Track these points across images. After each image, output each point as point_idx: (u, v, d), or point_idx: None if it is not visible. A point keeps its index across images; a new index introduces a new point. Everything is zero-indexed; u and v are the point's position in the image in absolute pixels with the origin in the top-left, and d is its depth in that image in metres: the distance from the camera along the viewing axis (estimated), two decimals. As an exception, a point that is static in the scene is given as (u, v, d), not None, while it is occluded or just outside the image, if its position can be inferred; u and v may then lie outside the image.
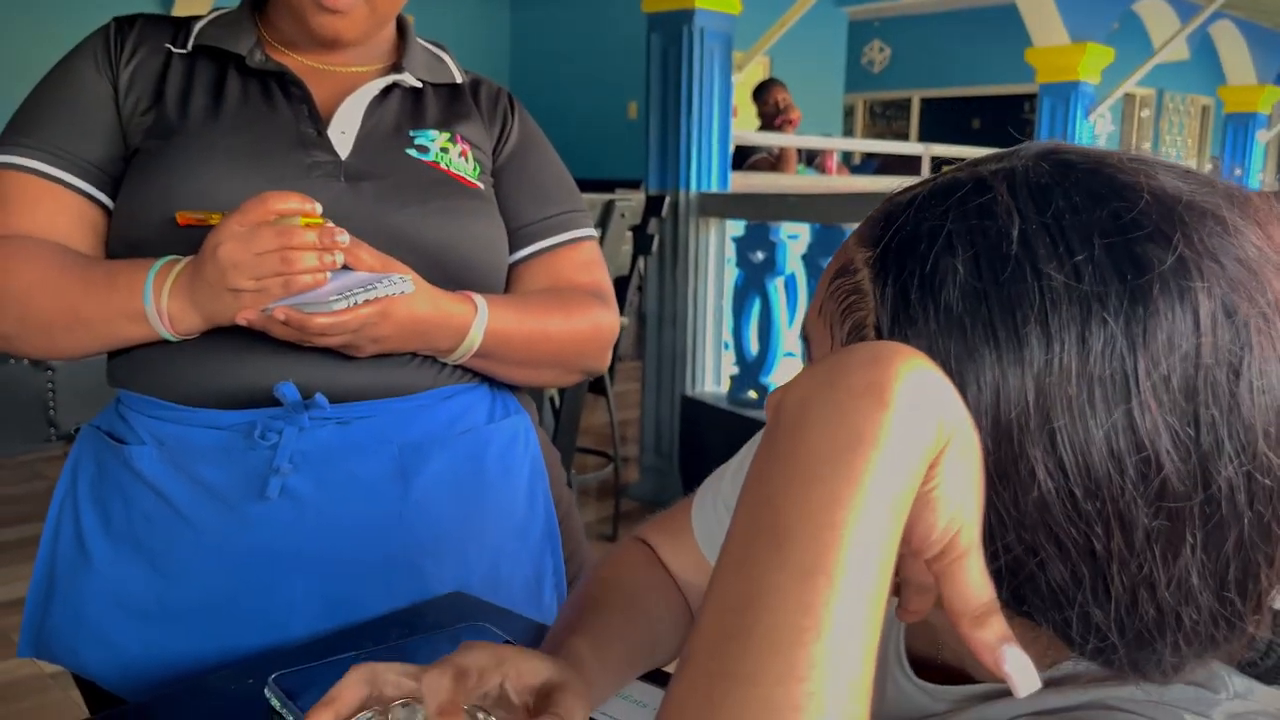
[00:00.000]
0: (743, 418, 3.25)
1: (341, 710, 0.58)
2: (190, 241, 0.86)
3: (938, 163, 5.14)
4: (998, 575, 0.41)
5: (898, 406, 0.38)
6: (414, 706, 0.59)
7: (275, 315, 0.80)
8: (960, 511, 0.39)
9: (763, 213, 3.29)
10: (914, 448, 0.38)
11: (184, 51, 0.96)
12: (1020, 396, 0.41)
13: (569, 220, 1.07)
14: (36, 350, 0.90)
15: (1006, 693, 0.43)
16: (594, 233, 1.11)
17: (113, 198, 0.93)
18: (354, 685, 0.58)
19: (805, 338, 0.50)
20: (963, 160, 0.49)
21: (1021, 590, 0.43)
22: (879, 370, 0.39)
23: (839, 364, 0.40)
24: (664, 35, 3.38)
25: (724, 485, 0.75)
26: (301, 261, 0.80)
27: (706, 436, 3.39)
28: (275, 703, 0.69)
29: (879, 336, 0.44)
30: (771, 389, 2.80)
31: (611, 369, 3.24)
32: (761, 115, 5.11)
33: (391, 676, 0.59)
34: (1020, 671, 0.39)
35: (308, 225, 0.82)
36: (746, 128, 5.29)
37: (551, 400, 2.72)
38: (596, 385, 3.09)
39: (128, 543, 0.89)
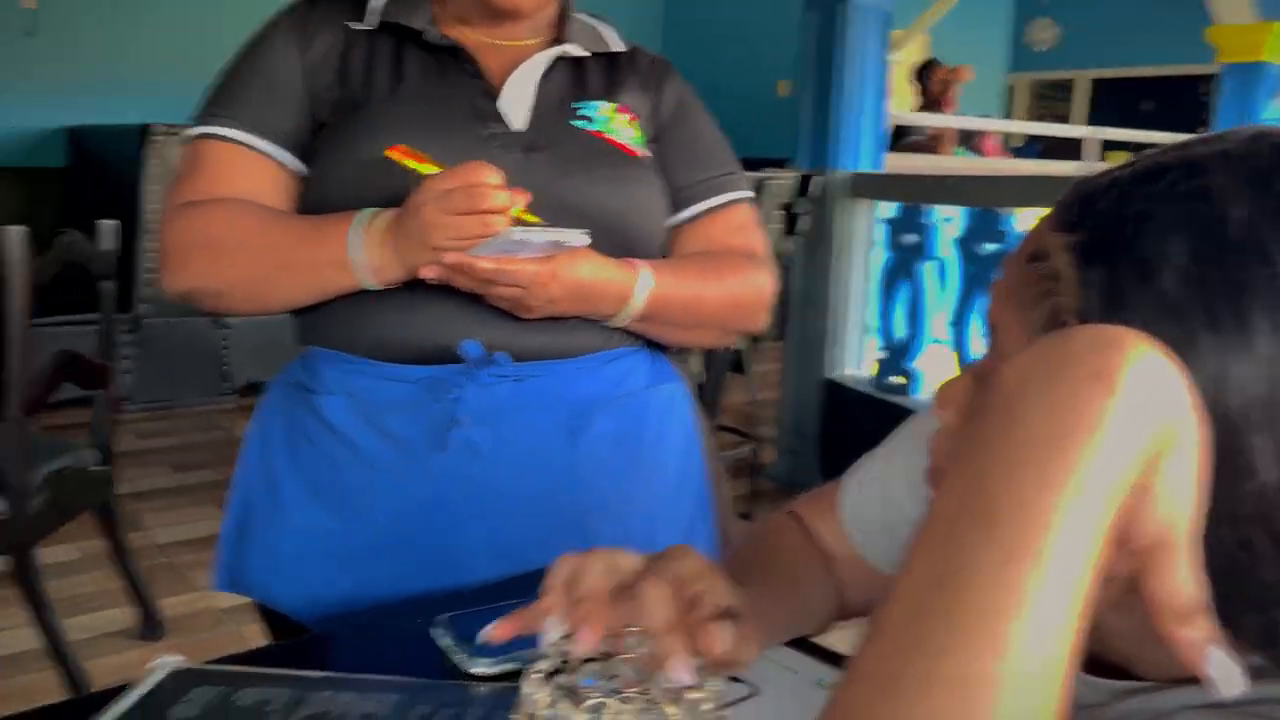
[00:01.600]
0: (887, 403, 3.20)
1: (587, 585, 0.57)
2: (371, 205, 0.92)
3: (1110, 146, 4.89)
4: (1206, 571, 0.40)
5: (1124, 393, 0.37)
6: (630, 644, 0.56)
7: (446, 258, 0.85)
8: (1179, 505, 0.38)
9: (916, 194, 3.22)
10: (1137, 437, 0.37)
11: (365, 29, 1.02)
12: (1246, 386, 0.40)
13: (725, 183, 1.09)
14: (245, 304, 0.96)
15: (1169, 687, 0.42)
16: (750, 194, 1.13)
17: (304, 165, 0.99)
18: (599, 573, 0.57)
19: (991, 325, 0.49)
20: (1138, 145, 0.47)
21: (1226, 588, 0.41)
22: (1107, 355, 0.38)
23: (1063, 346, 0.39)
24: (820, 12, 3.34)
25: (874, 471, 0.75)
26: (497, 225, 0.85)
27: (848, 421, 3.35)
28: (445, 641, 0.74)
29: (1083, 323, 0.43)
30: (918, 375, 2.74)
31: (753, 348, 3.25)
32: (923, 95, 4.98)
33: (623, 562, 0.59)
34: (1225, 674, 0.38)
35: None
36: (900, 109, 5.17)
37: (695, 375, 2.75)
38: (736, 364, 3.10)
39: (315, 486, 0.96)
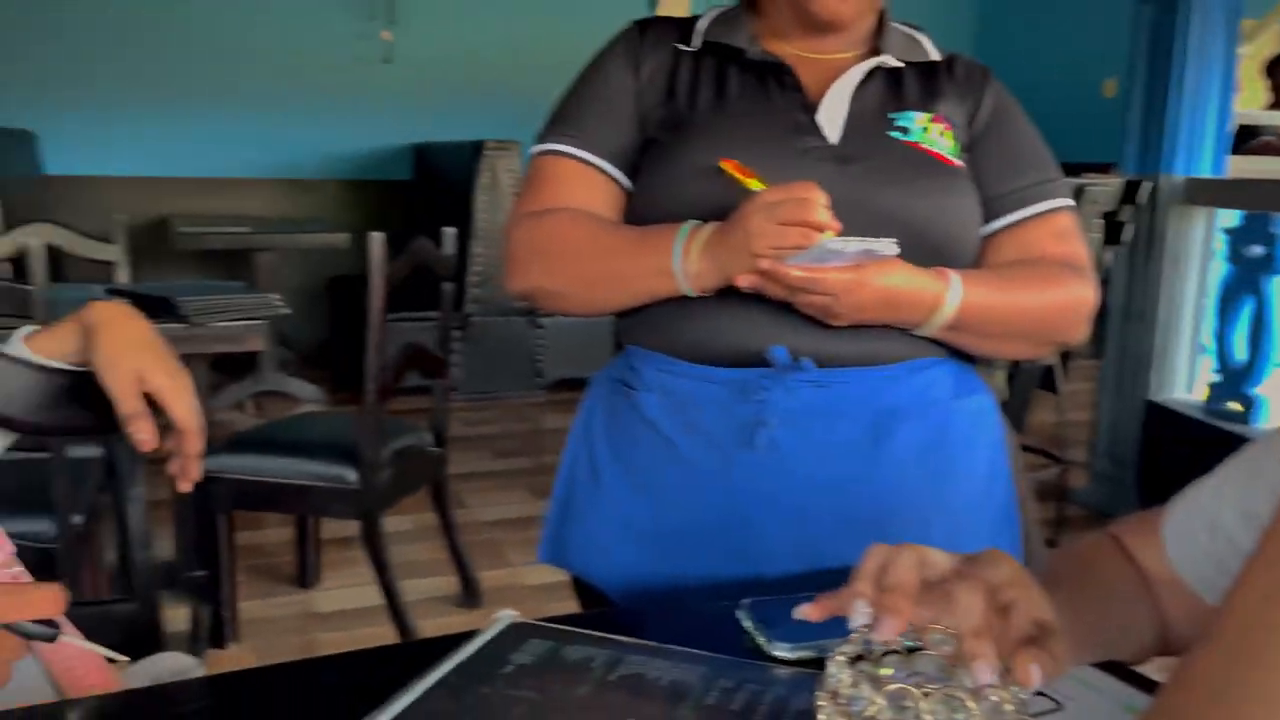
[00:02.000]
0: (1220, 430, 2.90)
1: (899, 578, 0.57)
2: (692, 218, 0.98)
3: None
4: None
5: None
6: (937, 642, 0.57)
7: (760, 264, 0.90)
8: None
9: (1265, 202, 2.89)
10: None
11: (691, 49, 1.09)
12: None
13: (1043, 190, 1.06)
14: (577, 305, 1.06)
15: None
16: (1071, 203, 1.08)
17: (631, 180, 1.08)
18: (910, 565, 0.58)
19: None
20: None
21: None
22: None
23: None
24: (1156, 4, 3.08)
25: (1203, 498, 0.71)
26: (815, 238, 0.88)
27: (1174, 447, 3.07)
28: (747, 623, 0.78)
29: None
30: (1260, 401, 2.45)
31: (1064, 365, 3.05)
32: (1275, 92, 4.46)
33: (936, 559, 0.59)
34: None
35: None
36: (1247, 107, 4.64)
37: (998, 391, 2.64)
38: (1045, 380, 2.93)
39: (632, 474, 1.04)
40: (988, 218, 1.05)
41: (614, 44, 1.12)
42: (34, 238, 2.02)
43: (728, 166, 0.95)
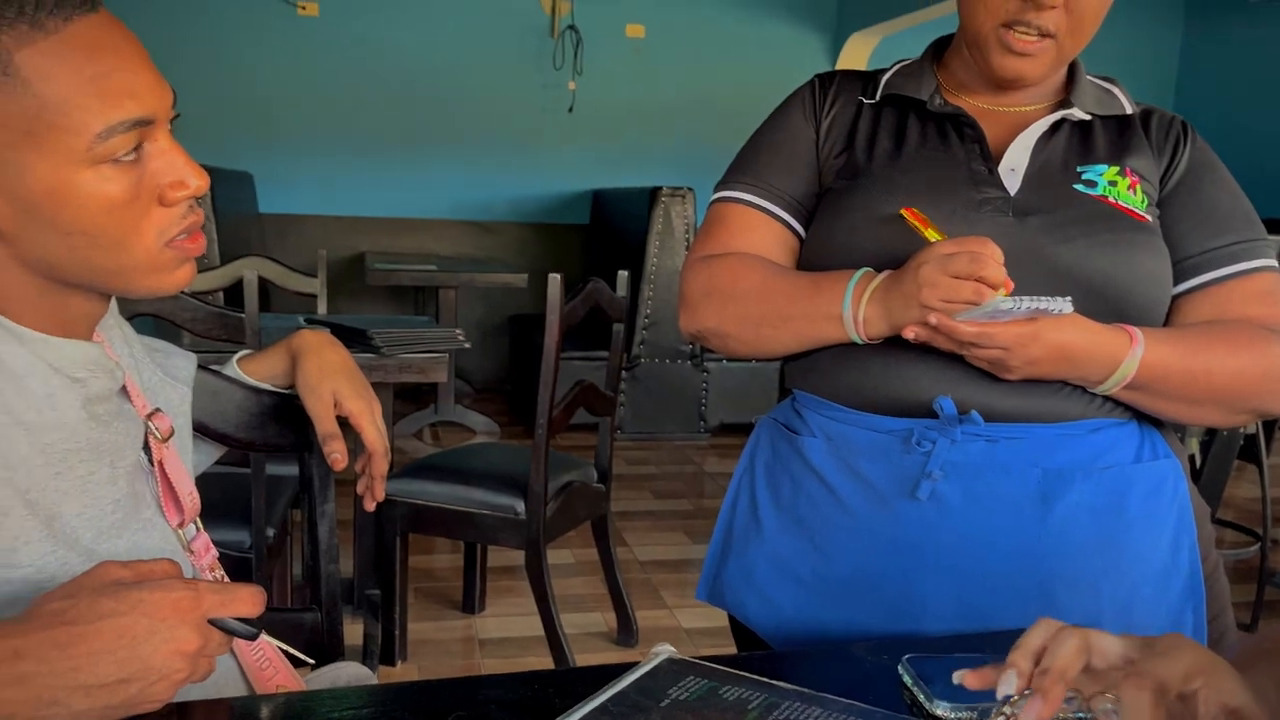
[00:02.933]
0: None
1: (1063, 668, 0.56)
2: (864, 266, 0.98)
3: None
4: None
5: None
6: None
7: (929, 318, 0.89)
8: None
9: None
10: None
11: (872, 101, 1.10)
12: None
13: (1244, 250, 1.01)
14: (743, 347, 1.07)
15: None
16: (1274, 263, 1.02)
17: (805, 227, 1.09)
18: (1074, 649, 0.56)
19: None
20: None
21: None
22: None
23: None
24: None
25: None
26: (988, 294, 0.87)
27: (1394, 531, 2.79)
28: (907, 679, 0.77)
29: None
30: None
31: (1269, 435, 2.83)
32: None
33: (1106, 647, 0.58)
34: None
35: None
36: None
37: (1191, 458, 2.47)
38: (1248, 451, 2.72)
39: (792, 517, 1.05)
40: (1181, 277, 1.01)
41: (796, 96, 1.14)
42: (248, 269, 2.21)
43: (908, 215, 0.95)
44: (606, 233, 5.14)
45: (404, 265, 4.33)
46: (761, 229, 1.08)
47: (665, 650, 0.77)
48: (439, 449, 3.61)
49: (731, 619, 1.14)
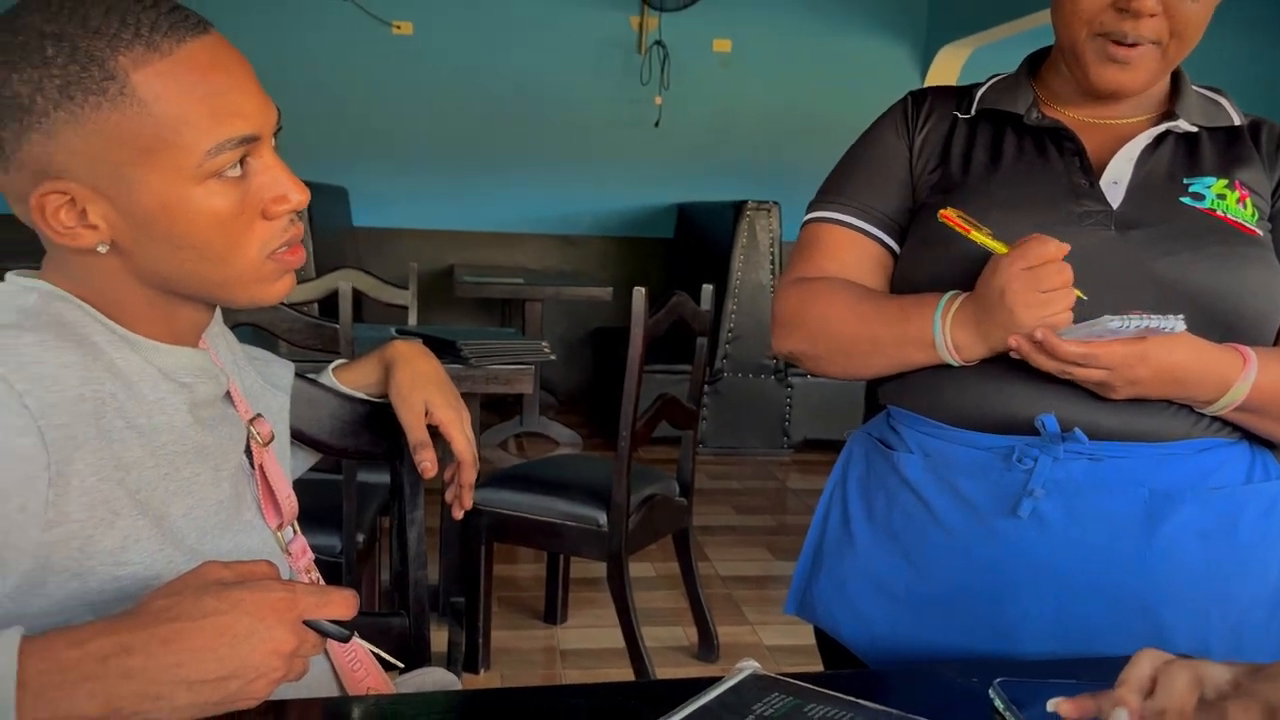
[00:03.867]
0: None
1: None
2: (965, 286, 0.96)
3: None
4: None
5: None
6: None
7: (1035, 335, 0.86)
8: None
9: None
10: None
11: (967, 116, 1.08)
12: None
13: None
14: (834, 369, 1.07)
15: None
16: None
17: (899, 244, 1.08)
18: (1187, 686, 0.55)
19: None
20: None
21: None
22: None
23: None
24: None
25: None
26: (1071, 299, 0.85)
27: None
28: (999, 704, 0.75)
29: None
30: None
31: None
32: None
33: (1214, 675, 0.56)
34: None
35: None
36: None
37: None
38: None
39: (886, 533, 1.03)
40: None
41: (888, 114, 1.13)
42: (343, 281, 2.27)
43: (949, 219, 0.93)
44: (690, 247, 5.14)
45: (491, 278, 4.40)
46: (854, 249, 1.07)
47: (750, 666, 0.76)
48: (523, 459, 3.65)
49: (819, 634, 1.12)
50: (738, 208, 4.39)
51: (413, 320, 3.04)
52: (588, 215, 5.41)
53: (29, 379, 0.66)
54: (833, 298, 1.04)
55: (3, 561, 0.66)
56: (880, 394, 1.11)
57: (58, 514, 0.67)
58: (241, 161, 0.74)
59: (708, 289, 2.40)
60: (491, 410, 4.88)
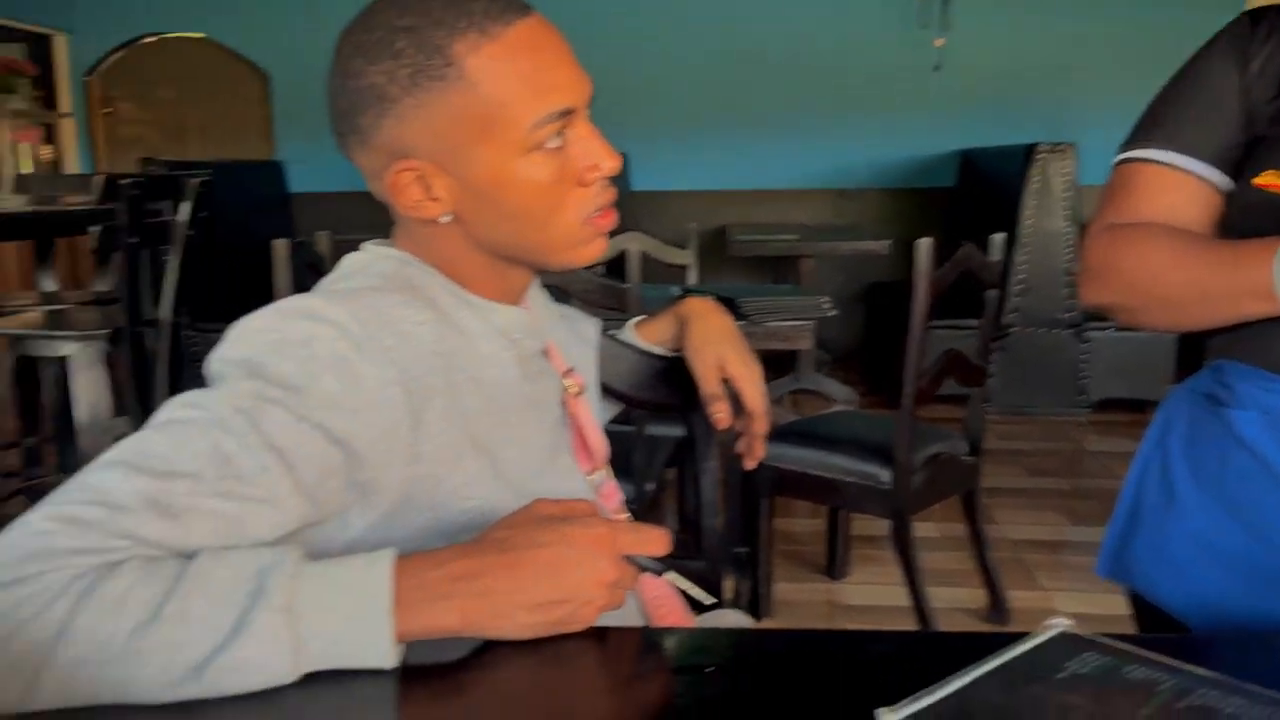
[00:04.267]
0: None
1: None
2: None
3: None
4: None
5: None
6: None
7: None
8: None
9: None
10: None
11: None
12: None
13: None
14: (1154, 322, 0.99)
15: None
16: None
17: (1234, 179, 0.98)
18: None
19: None
20: None
21: None
22: None
23: None
24: None
25: None
26: None
27: None
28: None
29: None
30: None
31: None
32: None
33: None
34: None
35: None
36: None
37: None
38: None
39: (1216, 495, 0.96)
40: None
41: (1218, 38, 1.02)
42: (630, 244, 2.37)
43: (1263, 181, 0.83)
44: (975, 195, 4.90)
45: (765, 236, 4.42)
46: (1176, 190, 0.99)
47: (1060, 623, 0.74)
48: (798, 416, 3.66)
49: (1135, 599, 1.06)
50: (1028, 151, 4.13)
51: (692, 280, 3.13)
52: (862, 167, 5.28)
53: (394, 335, 0.76)
54: (1152, 244, 0.97)
55: (374, 495, 0.76)
56: (1209, 347, 1.02)
57: (415, 455, 0.77)
58: (560, 133, 0.80)
59: (998, 238, 2.29)
60: (766, 367, 4.91)
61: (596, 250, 0.86)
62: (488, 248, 0.84)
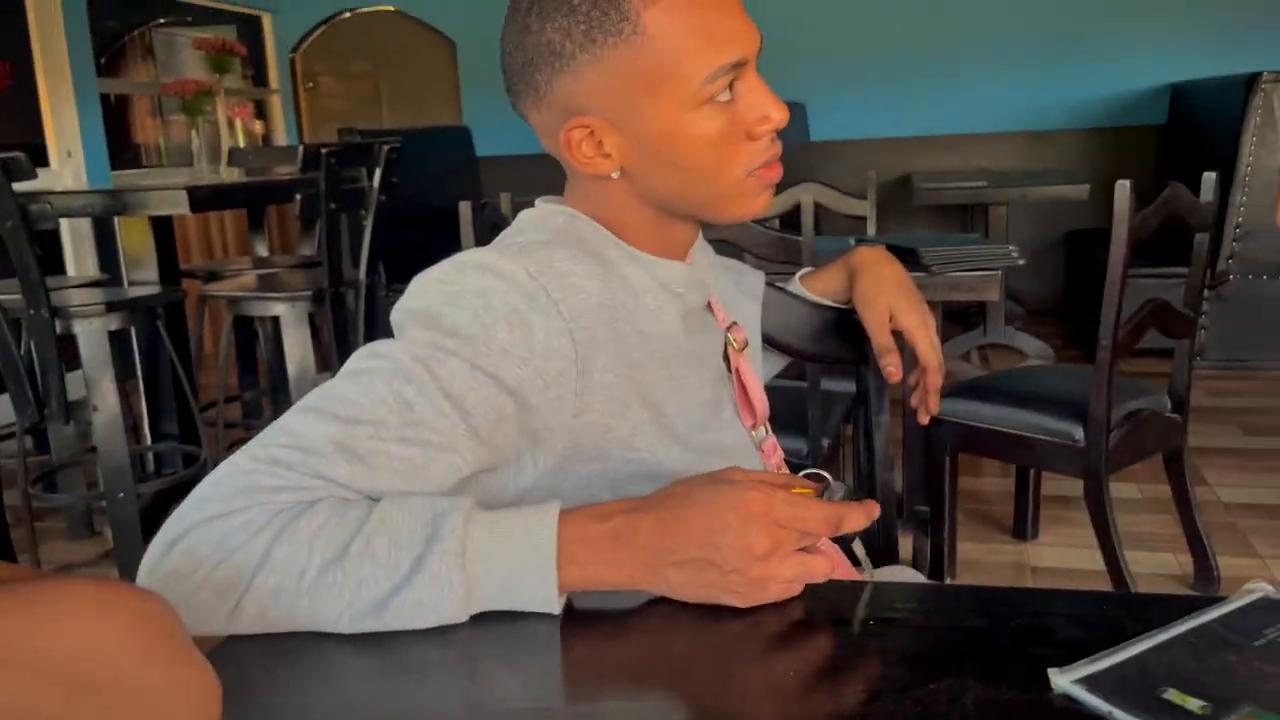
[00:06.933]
0: None
1: None
2: None
3: None
4: None
5: None
6: None
7: None
8: None
9: None
10: None
11: None
12: None
13: None
14: None
15: None
16: None
17: None
18: None
19: None
20: None
21: None
22: None
23: None
24: None
25: None
26: None
27: None
28: None
29: None
30: None
31: None
32: None
33: None
34: None
35: None
36: None
37: None
38: None
39: None
40: None
41: None
42: (804, 195, 2.33)
43: None
44: (1188, 132, 4.51)
45: (951, 183, 4.23)
46: None
47: (1261, 587, 0.68)
48: (987, 372, 3.51)
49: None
50: (1250, 81, 3.76)
51: (871, 231, 3.04)
52: (1056, 107, 4.96)
53: (563, 288, 0.77)
54: None
55: (545, 442, 0.79)
56: None
57: (582, 404, 0.79)
58: (731, 86, 0.79)
59: (1210, 178, 2.11)
60: (953, 321, 4.73)
61: (762, 204, 0.84)
62: (655, 202, 0.85)
